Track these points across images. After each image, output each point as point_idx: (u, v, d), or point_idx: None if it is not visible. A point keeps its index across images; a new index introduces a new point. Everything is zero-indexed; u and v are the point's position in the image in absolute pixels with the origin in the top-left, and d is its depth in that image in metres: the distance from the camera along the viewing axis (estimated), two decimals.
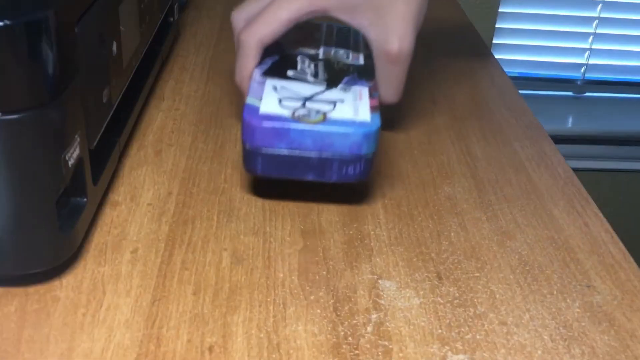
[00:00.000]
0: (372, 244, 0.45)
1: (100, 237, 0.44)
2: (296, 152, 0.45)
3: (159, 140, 0.55)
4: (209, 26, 0.79)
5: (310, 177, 0.46)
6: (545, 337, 0.39)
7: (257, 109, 0.45)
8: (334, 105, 0.47)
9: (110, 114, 0.47)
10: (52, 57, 0.34)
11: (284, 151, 0.45)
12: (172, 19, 0.70)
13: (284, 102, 0.46)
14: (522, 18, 1.13)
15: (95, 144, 0.43)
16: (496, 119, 0.63)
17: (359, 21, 0.52)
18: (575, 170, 0.56)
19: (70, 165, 0.38)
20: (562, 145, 1.12)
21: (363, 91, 0.49)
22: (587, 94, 1.22)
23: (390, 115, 0.61)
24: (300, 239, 0.45)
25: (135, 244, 0.43)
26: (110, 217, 0.46)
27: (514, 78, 1.17)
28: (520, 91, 0.69)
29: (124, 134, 0.51)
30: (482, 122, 0.62)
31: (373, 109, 0.47)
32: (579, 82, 1.20)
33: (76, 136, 0.39)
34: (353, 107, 0.47)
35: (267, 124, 0.44)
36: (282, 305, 0.39)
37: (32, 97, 0.34)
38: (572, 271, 0.44)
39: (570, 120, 1.17)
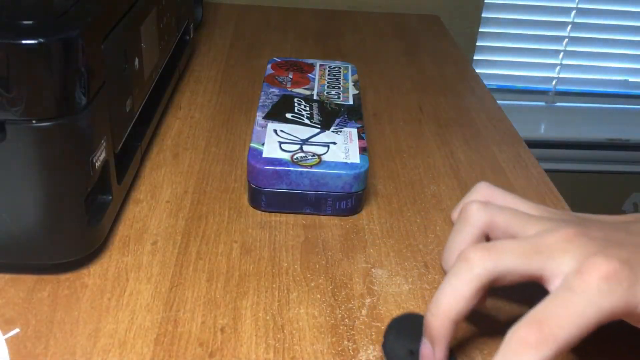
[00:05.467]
0: (366, 236, 0.45)
1: (124, 230, 0.44)
2: (295, 191, 0.45)
3: (176, 144, 0.55)
4: (221, 44, 0.79)
5: (307, 211, 0.46)
6: None
7: (260, 152, 0.46)
8: (328, 148, 0.47)
9: (133, 121, 0.47)
10: (80, 71, 0.34)
11: (285, 190, 0.45)
12: (188, 37, 0.70)
13: (284, 146, 0.47)
14: (500, 37, 1.13)
15: (119, 148, 0.43)
16: (476, 126, 0.63)
17: None
18: (547, 171, 0.56)
19: (97, 167, 0.38)
20: (535, 150, 1.12)
21: (353, 133, 0.49)
22: (558, 104, 1.22)
23: (383, 124, 0.61)
24: (302, 232, 0.45)
25: (155, 237, 0.43)
26: (132, 212, 0.46)
27: (492, 90, 1.17)
28: (498, 101, 0.69)
29: (145, 139, 0.51)
30: (464, 129, 0.62)
31: (362, 150, 0.47)
32: (550, 94, 1.21)
33: (102, 141, 0.39)
34: (344, 149, 0.47)
35: (269, 167, 0.44)
36: (286, 291, 0.39)
37: (63, 107, 0.34)
38: None
39: (542, 127, 1.17)
